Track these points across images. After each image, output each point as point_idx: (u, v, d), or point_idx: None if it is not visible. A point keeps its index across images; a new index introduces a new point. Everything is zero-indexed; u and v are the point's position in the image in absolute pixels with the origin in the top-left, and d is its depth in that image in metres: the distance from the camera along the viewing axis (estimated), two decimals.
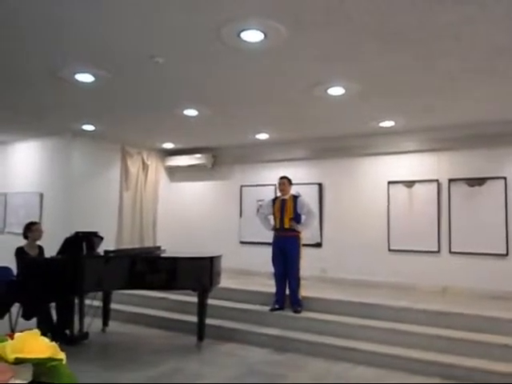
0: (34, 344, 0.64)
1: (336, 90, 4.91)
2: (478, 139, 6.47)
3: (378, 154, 7.33)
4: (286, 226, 5.84)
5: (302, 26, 3.38)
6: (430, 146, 6.90)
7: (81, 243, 5.30)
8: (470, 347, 4.55)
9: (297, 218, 5.89)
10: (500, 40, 3.57)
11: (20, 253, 5.26)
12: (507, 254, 6.24)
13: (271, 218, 6.11)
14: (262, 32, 3.47)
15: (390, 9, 3.09)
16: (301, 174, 7.67)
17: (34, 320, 5.04)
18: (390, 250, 7.11)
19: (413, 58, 4.00)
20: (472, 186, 6.57)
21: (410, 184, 7.05)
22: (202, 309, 5.26)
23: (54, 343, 0.70)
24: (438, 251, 6.73)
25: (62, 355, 0.69)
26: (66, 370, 0.66)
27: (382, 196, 7.24)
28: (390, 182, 7.19)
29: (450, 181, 6.73)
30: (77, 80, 4.68)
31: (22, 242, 5.43)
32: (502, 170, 6.37)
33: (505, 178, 6.32)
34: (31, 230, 5.44)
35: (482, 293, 6.20)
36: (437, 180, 6.85)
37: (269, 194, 7.64)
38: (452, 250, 6.63)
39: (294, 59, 4.08)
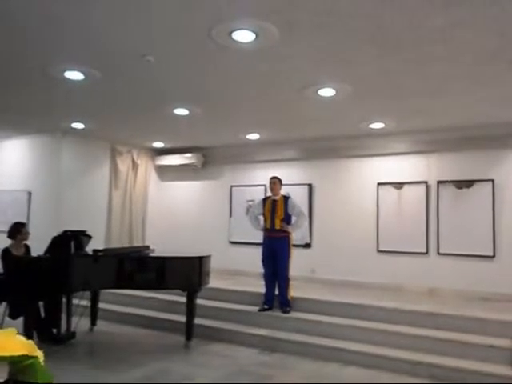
0: (9, 342, 0.63)
1: (327, 91, 4.92)
2: (466, 142, 6.53)
3: (368, 156, 7.37)
4: (277, 226, 5.84)
5: (294, 27, 3.38)
6: (419, 148, 6.95)
7: (69, 242, 5.26)
8: (456, 348, 4.59)
9: (287, 219, 5.90)
10: (489, 44, 3.60)
11: (6, 254, 5.18)
12: (494, 256, 6.30)
13: (261, 217, 6.11)
14: (254, 32, 3.47)
15: (382, 12, 3.11)
16: (291, 175, 7.67)
17: (21, 319, 4.99)
18: (378, 250, 7.14)
19: (404, 61, 4.02)
20: (460, 188, 6.62)
21: (399, 186, 7.09)
22: (190, 309, 5.24)
23: (30, 341, 0.69)
24: (427, 252, 6.78)
25: (38, 353, 0.68)
26: (43, 368, 0.65)
27: (372, 197, 7.28)
28: (379, 184, 7.22)
29: (439, 183, 6.78)
30: (66, 78, 4.64)
31: (9, 242, 5.36)
32: (490, 172, 6.43)
33: (492, 181, 6.39)
34: (21, 232, 5.38)
35: (468, 294, 6.25)
36: (426, 182, 6.89)
37: (259, 194, 7.64)
38: (440, 251, 6.68)
39: (285, 60, 4.09)
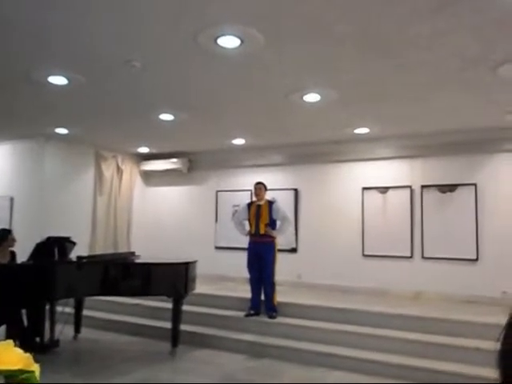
0: (7, 355, 0.62)
1: (312, 97, 4.95)
2: (450, 147, 6.62)
3: (353, 161, 7.42)
4: (262, 231, 5.84)
5: (280, 33, 3.40)
6: (403, 153, 7.02)
7: (52, 249, 5.18)
8: (443, 351, 4.63)
9: (272, 224, 5.91)
10: (472, 51, 3.66)
11: None
12: (477, 259, 6.38)
13: (246, 223, 6.10)
14: (239, 38, 3.47)
15: (368, 19, 3.14)
16: (277, 180, 7.70)
17: (3, 327, 4.90)
18: (364, 255, 7.18)
19: (389, 67, 4.06)
20: (444, 192, 6.71)
21: (383, 190, 7.15)
22: (176, 315, 5.20)
23: (27, 354, 0.67)
24: (411, 256, 6.84)
25: (34, 367, 0.66)
26: (38, 382, 0.63)
27: (357, 202, 7.32)
28: (364, 188, 7.28)
29: (423, 187, 6.85)
30: (50, 82, 4.59)
31: None
32: (473, 176, 6.53)
33: (475, 185, 6.48)
34: (7, 239, 5.29)
35: (453, 297, 6.32)
36: (410, 186, 6.96)
37: (244, 199, 7.61)
38: (424, 255, 6.74)
39: (270, 66, 4.10)
